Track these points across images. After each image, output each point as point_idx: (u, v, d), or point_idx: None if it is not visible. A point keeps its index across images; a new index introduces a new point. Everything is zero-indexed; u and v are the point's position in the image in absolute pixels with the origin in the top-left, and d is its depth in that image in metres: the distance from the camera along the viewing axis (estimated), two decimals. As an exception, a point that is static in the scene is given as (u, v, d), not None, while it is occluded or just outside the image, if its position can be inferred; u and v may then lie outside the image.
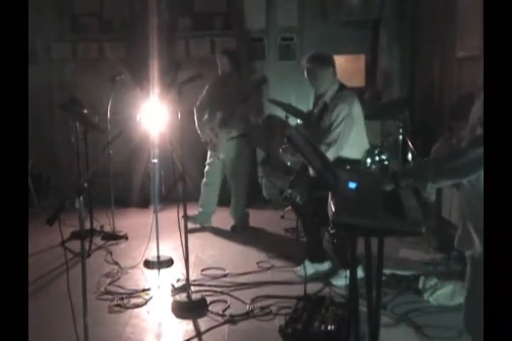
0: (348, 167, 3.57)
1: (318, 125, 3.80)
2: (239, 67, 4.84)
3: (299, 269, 3.80)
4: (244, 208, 5.10)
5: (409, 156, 5.24)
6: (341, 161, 3.61)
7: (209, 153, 4.97)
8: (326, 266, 3.88)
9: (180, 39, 6.12)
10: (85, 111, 4.59)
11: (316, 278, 3.75)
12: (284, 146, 4.28)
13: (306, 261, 3.85)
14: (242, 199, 5.04)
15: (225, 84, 4.78)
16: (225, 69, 4.78)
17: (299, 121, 5.55)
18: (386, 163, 5.22)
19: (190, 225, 3.87)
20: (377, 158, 5.18)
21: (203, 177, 5.12)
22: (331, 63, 3.80)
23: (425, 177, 1.96)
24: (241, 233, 4.94)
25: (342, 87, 3.80)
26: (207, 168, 5.03)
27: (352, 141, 3.67)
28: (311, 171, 3.50)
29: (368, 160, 5.10)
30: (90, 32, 6.10)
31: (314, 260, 3.87)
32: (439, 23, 5.26)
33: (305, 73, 3.82)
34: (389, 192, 2.04)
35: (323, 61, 3.77)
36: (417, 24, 5.88)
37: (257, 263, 4.11)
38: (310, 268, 3.81)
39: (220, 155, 4.82)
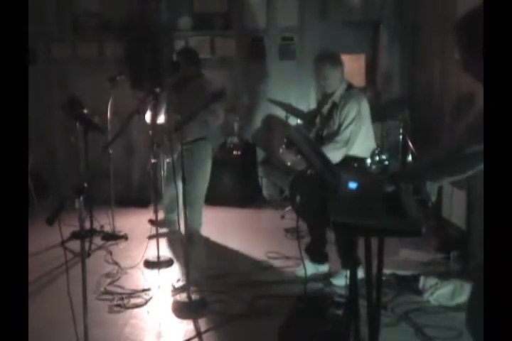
0: (355, 165, 3.58)
1: (327, 124, 3.80)
2: (199, 68, 4.63)
3: (299, 269, 3.80)
4: (200, 217, 4.74)
5: (409, 156, 5.25)
6: (349, 159, 3.62)
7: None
8: (326, 267, 3.88)
9: (180, 39, 6.12)
10: (85, 111, 4.59)
11: (315, 278, 3.75)
12: (284, 146, 4.28)
13: (307, 261, 3.84)
14: (198, 206, 4.65)
15: (185, 86, 4.49)
16: (186, 71, 4.49)
17: (299, 121, 5.56)
18: (386, 163, 5.23)
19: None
20: (377, 158, 5.18)
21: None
22: (340, 62, 3.79)
23: (424, 176, 1.97)
24: (194, 242, 4.48)
25: (350, 85, 3.80)
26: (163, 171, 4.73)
27: (360, 139, 3.68)
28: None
29: (368, 160, 5.10)
30: (90, 32, 6.10)
31: (315, 260, 3.87)
32: (439, 23, 5.26)
33: (314, 72, 3.79)
34: (389, 192, 2.04)
35: (333, 60, 3.75)
36: (417, 24, 5.88)
37: (257, 262, 4.11)
38: (310, 268, 3.81)
39: (172, 157, 4.33)
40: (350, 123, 3.63)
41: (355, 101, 3.67)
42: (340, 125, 3.67)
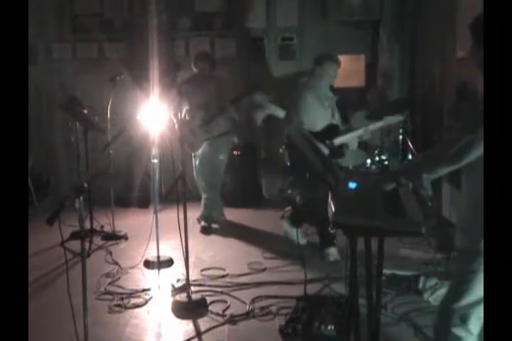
0: None
1: None
2: (214, 70, 4.93)
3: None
4: (222, 203, 5.18)
5: (409, 156, 5.24)
6: None
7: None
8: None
9: (180, 39, 6.11)
10: (85, 111, 4.59)
11: (315, 278, 3.75)
12: (284, 146, 4.28)
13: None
14: (218, 195, 5.11)
15: (204, 85, 4.75)
16: (205, 71, 4.81)
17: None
18: (386, 163, 5.22)
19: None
20: (377, 158, 5.18)
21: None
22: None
23: (422, 168, 2.00)
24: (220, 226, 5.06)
25: None
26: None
27: None
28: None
29: (368, 161, 5.10)
30: (90, 32, 6.09)
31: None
32: (439, 23, 5.26)
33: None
34: (389, 192, 2.04)
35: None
36: (417, 24, 5.88)
37: (257, 262, 4.11)
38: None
39: (197, 152, 4.88)
40: None
41: None
42: None
